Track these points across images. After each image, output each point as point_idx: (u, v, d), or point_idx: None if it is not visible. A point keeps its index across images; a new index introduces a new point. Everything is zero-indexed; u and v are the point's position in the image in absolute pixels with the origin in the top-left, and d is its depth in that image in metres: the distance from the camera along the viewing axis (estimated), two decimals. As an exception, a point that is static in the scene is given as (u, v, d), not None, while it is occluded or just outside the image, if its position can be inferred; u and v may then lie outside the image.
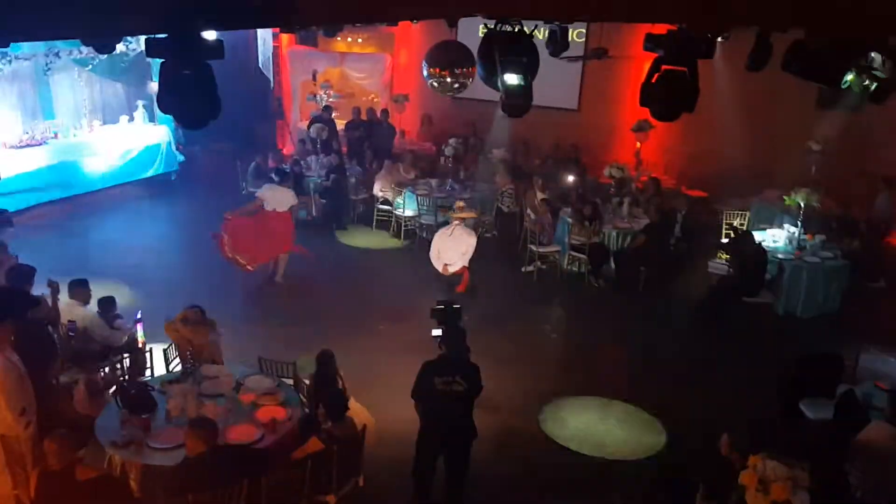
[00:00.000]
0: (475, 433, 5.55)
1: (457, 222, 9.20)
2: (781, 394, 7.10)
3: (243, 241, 9.35)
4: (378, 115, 14.31)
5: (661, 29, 4.80)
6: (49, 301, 6.33)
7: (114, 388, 5.75)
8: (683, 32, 4.49)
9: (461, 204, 9.39)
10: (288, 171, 11.15)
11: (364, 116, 14.42)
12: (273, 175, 11.24)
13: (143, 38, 12.23)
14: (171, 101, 3.89)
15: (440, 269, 8.72)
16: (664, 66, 4.51)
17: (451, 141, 13.19)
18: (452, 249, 8.99)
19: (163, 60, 3.78)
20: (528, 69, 4.38)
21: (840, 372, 6.95)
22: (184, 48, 3.67)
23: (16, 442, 5.11)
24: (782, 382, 7.17)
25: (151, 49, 3.77)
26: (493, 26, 4.46)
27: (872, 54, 5.45)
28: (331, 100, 14.71)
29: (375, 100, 16.00)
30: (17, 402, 5.02)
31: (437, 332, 5.58)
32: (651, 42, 4.50)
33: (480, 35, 4.92)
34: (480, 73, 4.75)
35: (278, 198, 9.73)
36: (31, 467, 5.09)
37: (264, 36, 13.80)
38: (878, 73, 5.49)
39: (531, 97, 4.42)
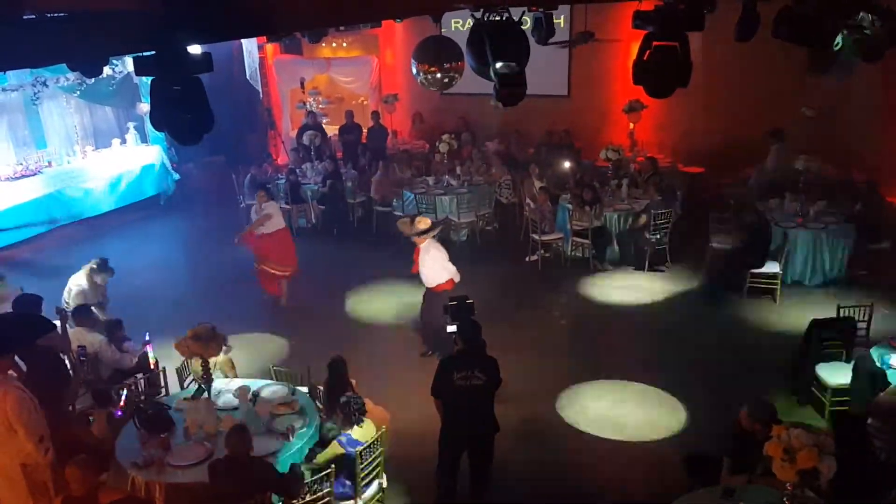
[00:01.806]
0: (497, 427, 5.53)
1: (430, 240, 7.87)
2: (796, 361, 7.10)
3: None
4: (354, 118, 14.33)
5: (648, 6, 4.78)
6: (59, 329, 6.32)
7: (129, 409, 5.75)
8: (672, 7, 4.46)
9: (427, 220, 7.97)
10: (267, 185, 10.99)
11: (356, 120, 14.43)
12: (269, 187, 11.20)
13: (129, 59, 12.30)
14: (164, 118, 3.87)
15: (458, 278, 8.14)
16: (655, 43, 4.49)
17: (444, 137, 13.17)
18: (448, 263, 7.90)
19: (152, 78, 3.77)
20: (520, 56, 4.36)
21: (853, 335, 6.94)
22: (171, 64, 3.66)
23: (36, 470, 5.12)
24: (796, 350, 7.17)
25: (140, 67, 3.76)
26: (480, 16, 4.43)
27: (861, 13, 5.42)
28: (320, 106, 14.71)
29: (365, 102, 16.00)
30: (35, 431, 5.04)
31: (451, 327, 5.55)
32: (640, 19, 4.48)
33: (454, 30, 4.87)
34: (471, 65, 4.71)
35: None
36: (53, 494, 5.08)
37: (250, 48, 13.79)
38: (868, 32, 5.45)
39: (525, 84, 4.40)
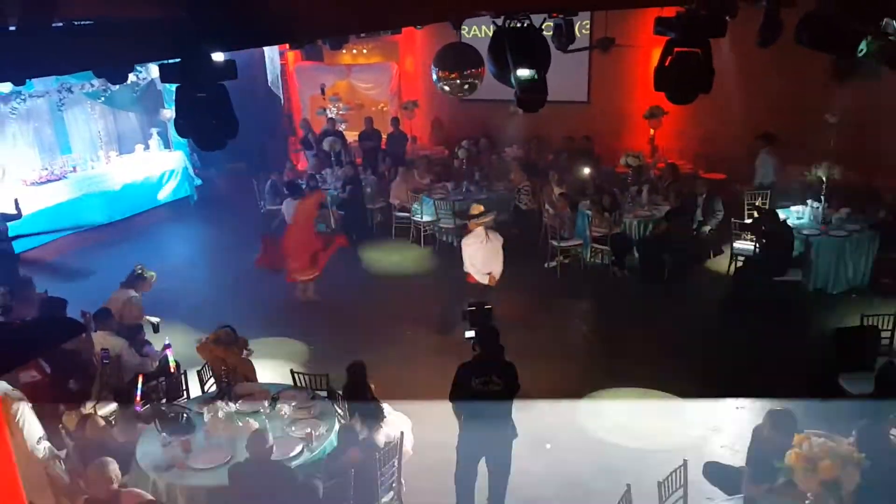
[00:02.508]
0: (515, 433, 5.53)
1: (481, 227, 8.50)
2: (820, 371, 7.02)
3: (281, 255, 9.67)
4: (374, 124, 14.39)
5: (669, 12, 4.76)
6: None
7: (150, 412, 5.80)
8: (694, 13, 4.45)
9: (480, 207, 8.71)
10: (302, 184, 11.29)
11: (376, 126, 14.48)
12: (285, 189, 11.38)
13: (154, 66, 12.41)
14: (188, 125, 3.92)
15: (483, 280, 8.33)
16: (677, 49, 4.47)
17: (464, 143, 13.19)
18: (492, 257, 8.39)
19: (178, 85, 3.83)
20: (541, 62, 4.37)
21: (877, 344, 6.85)
22: (196, 71, 3.70)
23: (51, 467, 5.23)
24: (820, 359, 7.09)
25: (165, 74, 3.81)
26: (501, 23, 4.45)
27: (886, 20, 5.37)
28: (340, 112, 14.79)
29: (385, 108, 16.06)
30: (35, 433, 5.21)
31: (470, 333, 5.56)
32: (662, 25, 4.46)
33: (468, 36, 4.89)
34: (492, 71, 4.73)
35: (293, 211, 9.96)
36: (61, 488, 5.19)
37: (271, 55, 13.93)
38: (893, 39, 5.39)
39: (546, 90, 4.41)
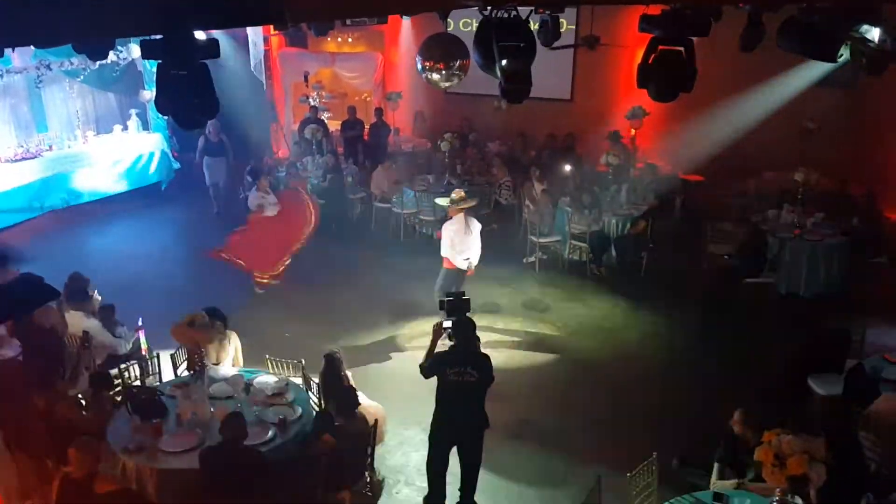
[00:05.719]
0: (487, 423, 5.55)
1: (462, 213, 8.35)
2: (790, 371, 7.12)
3: (247, 253, 9.55)
4: (357, 114, 14.30)
5: (655, 10, 4.80)
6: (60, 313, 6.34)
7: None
8: (678, 12, 4.49)
9: (461, 192, 8.62)
10: (282, 172, 11.20)
11: (359, 116, 14.40)
12: (249, 177, 11.32)
13: (134, 47, 12.12)
14: (169, 103, 3.89)
15: (463, 265, 8.21)
16: (660, 47, 4.51)
17: (446, 136, 13.16)
18: (471, 242, 8.31)
19: (159, 62, 3.78)
20: (527, 53, 4.38)
21: (847, 347, 6.96)
22: (178, 49, 3.67)
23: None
24: (790, 360, 7.19)
25: (147, 51, 3.77)
26: (488, 13, 4.46)
27: (865, 25, 5.45)
28: (323, 100, 14.69)
29: (368, 98, 15.99)
30: None
31: (447, 323, 5.56)
32: (646, 23, 4.51)
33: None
34: (478, 61, 4.74)
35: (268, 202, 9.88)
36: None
37: (255, 39, 13.77)
38: (872, 45, 5.47)
39: (530, 81, 4.43)
